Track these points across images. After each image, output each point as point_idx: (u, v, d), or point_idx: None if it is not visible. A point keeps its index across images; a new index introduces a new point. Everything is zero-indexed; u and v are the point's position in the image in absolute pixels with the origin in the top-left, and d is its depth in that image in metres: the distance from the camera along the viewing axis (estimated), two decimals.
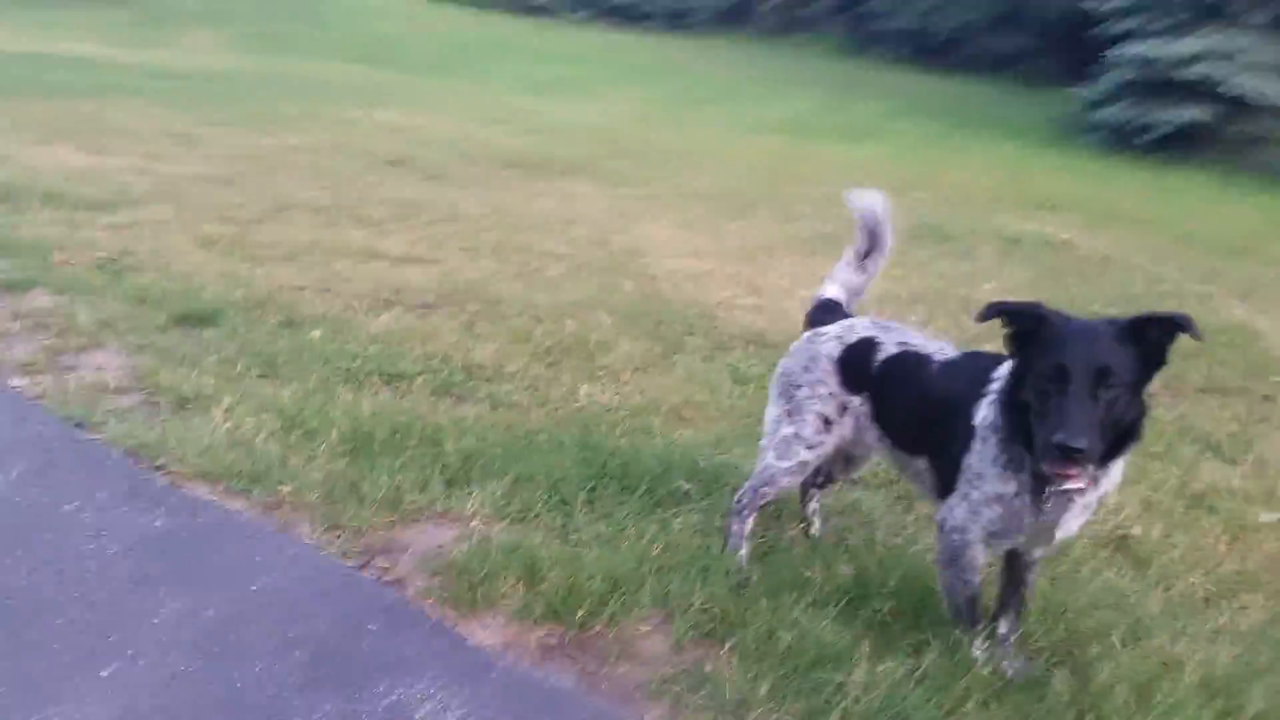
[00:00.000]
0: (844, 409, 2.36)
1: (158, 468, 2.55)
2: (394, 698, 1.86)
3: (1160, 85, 14.59)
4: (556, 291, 4.78)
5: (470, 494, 2.59)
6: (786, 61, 22.63)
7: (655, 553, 2.37)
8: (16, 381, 2.98)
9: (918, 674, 2.05)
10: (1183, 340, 1.85)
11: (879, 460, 2.57)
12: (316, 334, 3.68)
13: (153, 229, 4.78)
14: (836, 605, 2.26)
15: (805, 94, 16.95)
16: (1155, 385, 4.56)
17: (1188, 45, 14.25)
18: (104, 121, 7.63)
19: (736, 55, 23.27)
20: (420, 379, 3.40)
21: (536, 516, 2.53)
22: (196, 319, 3.61)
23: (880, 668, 2.05)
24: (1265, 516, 3.13)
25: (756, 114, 14.64)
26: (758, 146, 11.63)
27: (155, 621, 1.98)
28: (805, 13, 27.11)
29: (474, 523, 2.49)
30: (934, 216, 8.01)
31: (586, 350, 3.97)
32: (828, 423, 2.36)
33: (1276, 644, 2.39)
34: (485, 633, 2.10)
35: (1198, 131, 14.55)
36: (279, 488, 2.51)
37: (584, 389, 3.53)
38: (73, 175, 5.68)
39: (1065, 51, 21.88)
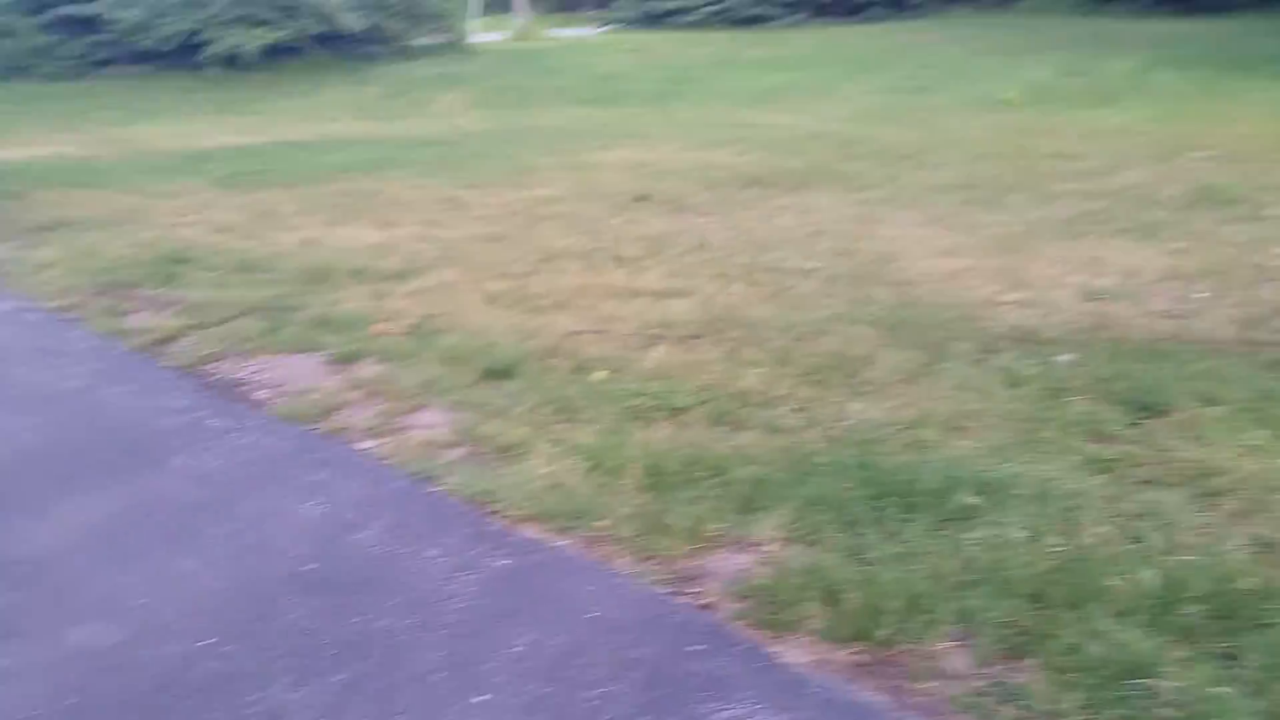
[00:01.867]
0: None
1: (493, 513, 2.94)
2: (722, 715, 2.06)
3: None
4: (811, 308, 4.89)
5: (762, 519, 2.78)
6: (1019, 29, 21.41)
7: (950, 569, 2.45)
8: (367, 444, 3.51)
9: (1232, 677, 2.02)
10: None
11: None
12: (601, 375, 4.02)
13: (446, 292, 5.36)
14: (1142, 613, 2.25)
15: (1044, 60, 15.99)
16: None
17: None
18: (383, 196, 8.52)
19: (963, 31, 22.29)
20: (697, 410, 3.63)
21: (827, 538, 2.68)
22: (499, 373, 4.06)
23: (1192, 673, 2.04)
24: None
25: (992, 91, 14.01)
26: (999, 125, 11.14)
27: (512, 652, 2.30)
28: None
29: (769, 547, 2.67)
30: (1213, 177, 7.40)
31: (849, 366, 4.06)
32: None
33: None
34: (795, 652, 2.27)
35: None
36: (595, 524, 2.82)
37: (853, 406, 3.64)
38: (370, 250, 6.43)
39: None
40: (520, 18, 28.91)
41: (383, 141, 12.55)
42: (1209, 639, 2.16)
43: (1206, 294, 4.69)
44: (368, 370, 4.24)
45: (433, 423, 3.67)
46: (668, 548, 2.69)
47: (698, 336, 4.54)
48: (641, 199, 8.04)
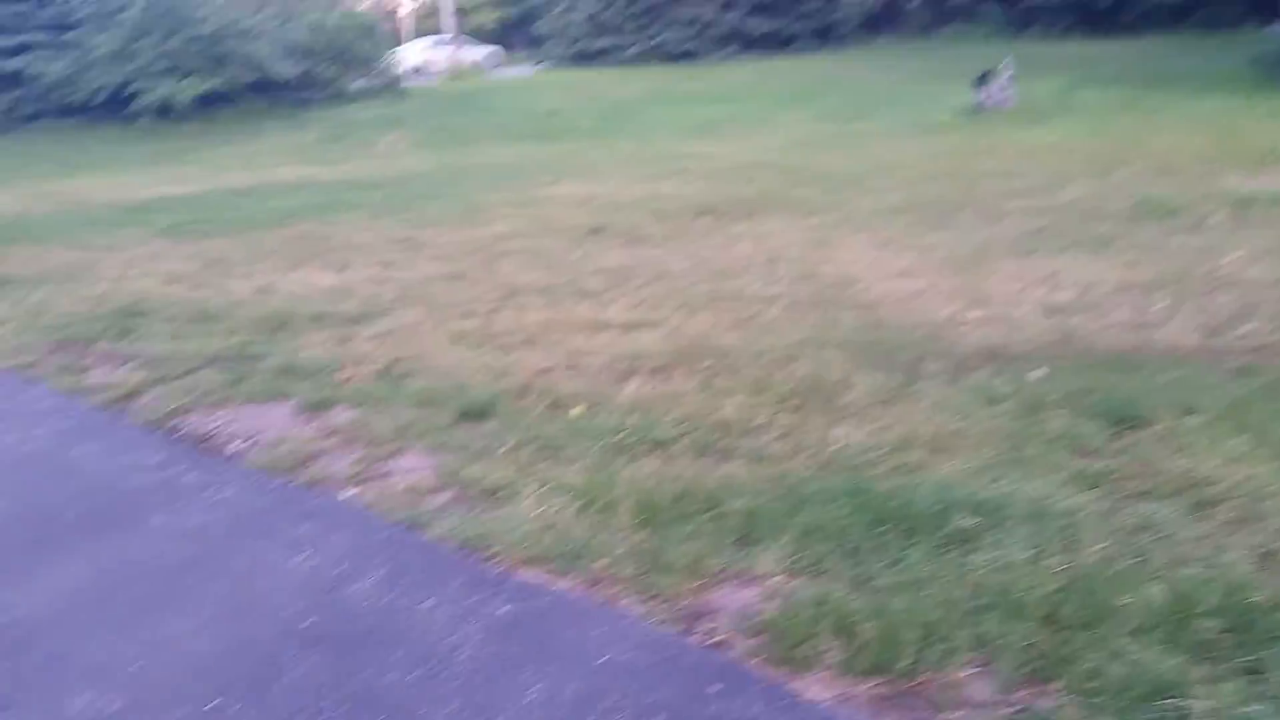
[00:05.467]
0: None
1: (489, 558, 2.86)
2: None
3: None
4: (779, 334, 4.89)
5: (762, 552, 2.75)
6: (943, 55, 22.01)
7: (959, 595, 2.44)
8: (349, 492, 3.40)
9: (1260, 695, 2.03)
10: None
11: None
12: (578, 411, 3.97)
13: (410, 333, 5.27)
14: (1158, 631, 2.25)
15: (970, 84, 16.42)
16: None
17: None
18: (334, 239, 8.39)
19: (891, 59, 22.87)
20: (681, 442, 3.60)
21: (831, 568, 2.65)
22: (475, 413, 3.98)
23: (1220, 692, 2.04)
24: None
25: (924, 115, 14.34)
26: (936, 148, 11.39)
27: (527, 701, 2.23)
28: (956, 2, 26.40)
29: (774, 580, 2.64)
30: (1150, 190, 7.64)
31: (826, 390, 4.06)
32: None
33: None
34: (816, 688, 2.23)
35: None
36: (594, 564, 2.76)
37: (835, 431, 3.63)
38: (327, 294, 6.31)
39: None
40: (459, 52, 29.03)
41: (327, 185, 12.39)
42: (1229, 655, 2.17)
43: (1164, 304, 4.80)
44: (340, 417, 4.13)
45: (414, 467, 3.58)
46: (671, 586, 2.64)
47: (670, 368, 4.52)
48: (596, 232, 8.03)
